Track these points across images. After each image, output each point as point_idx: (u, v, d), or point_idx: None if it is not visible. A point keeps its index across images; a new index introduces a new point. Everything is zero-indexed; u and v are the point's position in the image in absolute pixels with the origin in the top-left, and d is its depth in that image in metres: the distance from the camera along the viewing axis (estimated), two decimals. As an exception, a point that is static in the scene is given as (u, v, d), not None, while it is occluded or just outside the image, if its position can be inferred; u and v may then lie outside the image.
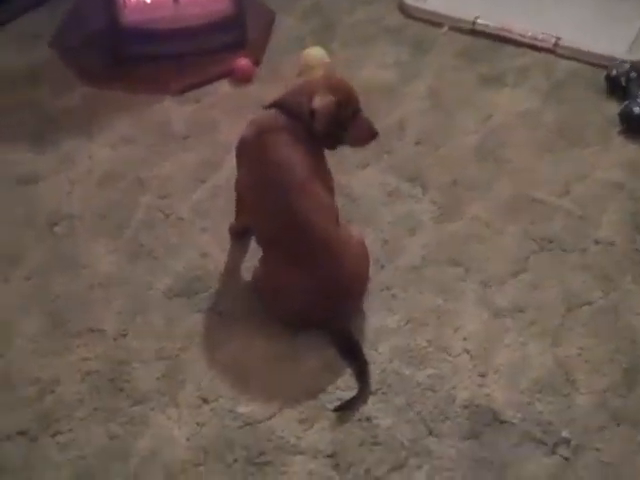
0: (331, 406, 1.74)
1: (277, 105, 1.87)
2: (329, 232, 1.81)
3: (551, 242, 2.11)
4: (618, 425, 1.72)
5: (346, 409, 1.73)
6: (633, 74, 2.53)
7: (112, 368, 1.81)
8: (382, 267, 2.03)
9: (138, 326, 1.90)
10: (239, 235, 2.07)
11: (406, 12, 2.91)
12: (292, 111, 1.84)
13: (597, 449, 1.68)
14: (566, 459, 1.67)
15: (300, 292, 1.80)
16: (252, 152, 1.84)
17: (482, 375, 1.82)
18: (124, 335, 1.88)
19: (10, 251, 2.07)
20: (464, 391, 1.78)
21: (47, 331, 1.88)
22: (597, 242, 2.11)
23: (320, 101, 1.80)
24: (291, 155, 1.82)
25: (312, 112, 1.80)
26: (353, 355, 1.82)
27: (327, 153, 1.92)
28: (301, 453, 1.67)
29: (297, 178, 1.80)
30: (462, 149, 2.39)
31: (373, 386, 1.78)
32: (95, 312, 1.93)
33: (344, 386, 1.78)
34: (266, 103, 1.91)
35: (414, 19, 2.89)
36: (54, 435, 1.69)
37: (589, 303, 1.96)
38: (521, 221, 2.16)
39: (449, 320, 1.93)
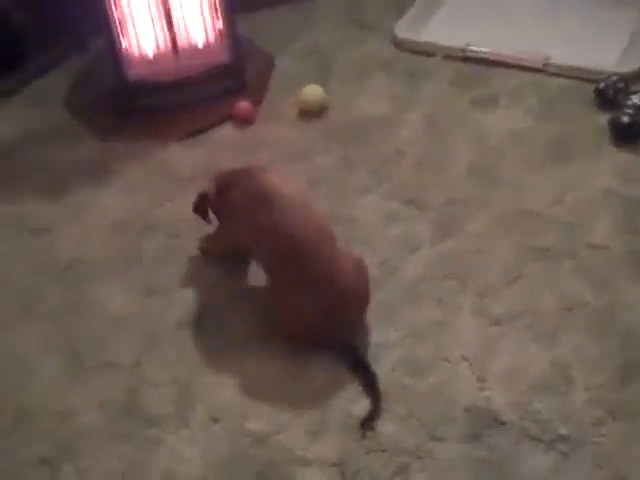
0: (337, 417, 1.82)
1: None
2: (330, 253, 1.93)
3: (546, 251, 2.18)
4: (614, 419, 1.77)
5: (367, 426, 1.80)
6: (620, 85, 2.61)
7: (126, 396, 1.91)
8: (381, 286, 2.11)
9: (151, 357, 2.00)
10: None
11: (399, 45, 3.03)
12: None
13: (594, 443, 1.74)
14: (564, 454, 1.72)
15: (304, 310, 1.90)
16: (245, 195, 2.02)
17: (481, 380, 1.88)
18: (138, 366, 1.98)
19: (27, 296, 2.19)
20: (464, 396, 1.85)
21: (64, 367, 1.99)
22: (591, 247, 2.18)
23: None
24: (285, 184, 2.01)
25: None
26: (361, 369, 1.90)
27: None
28: (309, 464, 1.75)
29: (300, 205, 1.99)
30: (457, 170, 2.48)
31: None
32: (109, 348, 2.03)
33: (348, 398, 1.86)
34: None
35: (407, 51, 3.00)
36: (73, 462, 1.78)
37: (584, 305, 2.03)
38: (516, 233, 2.24)
39: (447, 331, 2.00)
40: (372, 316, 2.03)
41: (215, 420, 1.84)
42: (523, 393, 1.84)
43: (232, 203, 2.04)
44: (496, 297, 2.07)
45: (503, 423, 1.79)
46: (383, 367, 1.92)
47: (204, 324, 2.07)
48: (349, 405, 1.85)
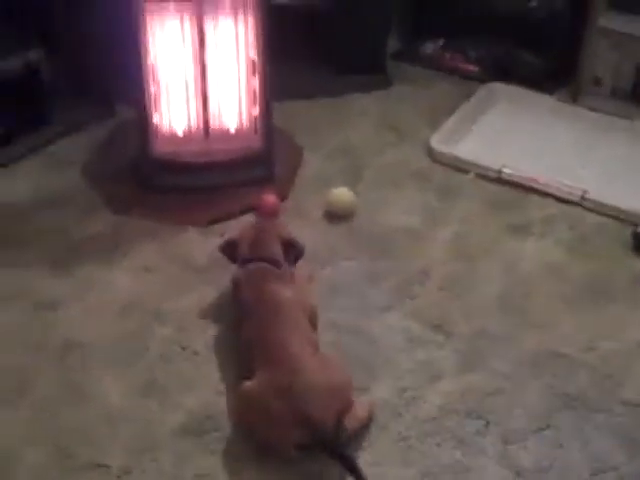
0: None
1: (260, 259, 2.14)
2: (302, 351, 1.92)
3: (575, 400, 2.04)
4: None
5: None
6: (659, 233, 2.52)
7: (114, 509, 1.74)
8: (399, 415, 1.97)
9: (145, 464, 1.83)
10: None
11: (434, 157, 2.94)
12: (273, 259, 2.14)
13: None
14: None
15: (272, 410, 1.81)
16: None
17: (501, 540, 1.73)
18: (129, 472, 1.81)
19: (20, 378, 2.03)
20: None
21: (50, 463, 1.82)
22: (623, 403, 2.04)
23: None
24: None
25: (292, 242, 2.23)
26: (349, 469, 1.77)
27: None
28: None
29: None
30: (486, 298, 2.35)
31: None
32: (101, 446, 1.86)
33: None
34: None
35: (441, 164, 2.92)
36: None
37: (614, 468, 1.88)
38: (544, 375, 2.10)
39: (467, 477, 1.85)
40: (388, 449, 1.88)
41: None
42: None
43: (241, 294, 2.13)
44: (521, 445, 1.92)
45: None
46: (395, 510, 1.76)
47: (205, 434, 1.91)
48: None
